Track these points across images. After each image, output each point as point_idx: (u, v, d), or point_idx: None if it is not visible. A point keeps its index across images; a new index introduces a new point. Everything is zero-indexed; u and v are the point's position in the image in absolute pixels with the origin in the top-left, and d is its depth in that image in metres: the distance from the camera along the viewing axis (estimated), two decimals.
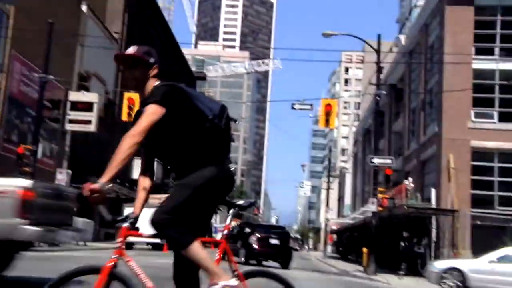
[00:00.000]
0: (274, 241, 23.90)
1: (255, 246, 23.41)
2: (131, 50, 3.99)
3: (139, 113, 3.94)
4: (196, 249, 3.71)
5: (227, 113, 4.01)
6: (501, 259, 17.44)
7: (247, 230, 25.61)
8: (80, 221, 31.37)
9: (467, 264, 18.52)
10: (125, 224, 3.80)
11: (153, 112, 3.78)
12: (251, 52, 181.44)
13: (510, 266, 16.85)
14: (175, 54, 66.00)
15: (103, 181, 3.74)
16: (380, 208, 25.00)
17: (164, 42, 59.75)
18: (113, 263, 3.63)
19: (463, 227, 26.69)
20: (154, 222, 3.84)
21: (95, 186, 3.69)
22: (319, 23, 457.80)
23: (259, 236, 23.82)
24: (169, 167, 4.13)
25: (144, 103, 3.95)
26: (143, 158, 4.16)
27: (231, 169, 4.07)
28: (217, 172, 3.84)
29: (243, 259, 23.24)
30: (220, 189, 3.92)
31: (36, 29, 27.97)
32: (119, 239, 3.77)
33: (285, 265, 23.55)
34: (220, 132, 3.92)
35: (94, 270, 3.69)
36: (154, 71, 4.14)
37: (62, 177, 28.27)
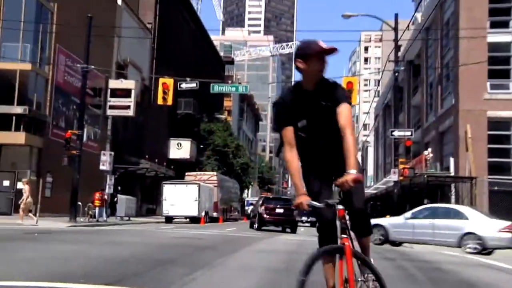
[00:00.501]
0: (279, 210, 26.18)
1: (264, 215, 25.84)
2: (329, 45, 3.82)
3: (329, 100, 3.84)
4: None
5: None
6: (414, 215, 18.69)
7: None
8: (123, 198, 32.27)
9: (388, 220, 19.93)
10: (341, 207, 3.59)
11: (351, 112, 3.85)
12: (275, 36, 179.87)
13: (421, 221, 18.16)
14: (205, 41, 66.09)
15: (355, 170, 3.57)
16: (402, 178, 25.02)
17: (193, 30, 59.90)
18: (347, 242, 3.54)
19: (481, 193, 26.51)
20: (362, 209, 3.90)
21: (358, 176, 3.53)
22: (338, 5, 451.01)
23: (267, 207, 26.24)
24: (330, 159, 3.95)
25: (322, 95, 3.86)
26: (308, 142, 3.97)
27: None
28: None
29: (255, 226, 26.70)
30: None
31: (77, 23, 28.48)
32: (343, 220, 3.62)
33: (293, 230, 26.56)
34: None
35: (338, 250, 3.62)
36: None
37: (105, 158, 28.55)
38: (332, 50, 3.74)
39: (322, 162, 3.97)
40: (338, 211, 3.59)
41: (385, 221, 20.02)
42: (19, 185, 28.35)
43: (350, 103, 3.94)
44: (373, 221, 22.24)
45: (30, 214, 20.56)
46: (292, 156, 3.83)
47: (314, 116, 3.86)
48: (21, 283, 5.31)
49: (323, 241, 3.88)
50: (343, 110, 3.77)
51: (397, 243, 19.04)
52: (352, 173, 3.51)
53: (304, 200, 3.58)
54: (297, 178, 3.83)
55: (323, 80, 3.87)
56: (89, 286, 5.33)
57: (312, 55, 3.75)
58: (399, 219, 19.35)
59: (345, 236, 3.57)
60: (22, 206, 20.46)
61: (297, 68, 3.86)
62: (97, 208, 27.13)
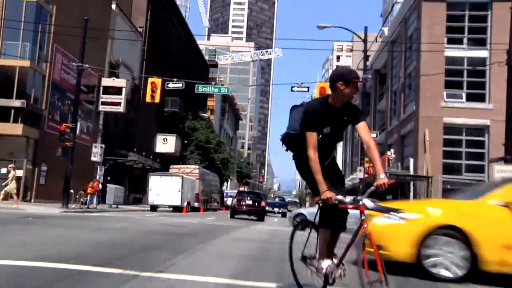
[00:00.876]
0: (249, 202, 28.31)
1: (236, 206, 28.39)
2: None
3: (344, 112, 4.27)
4: None
5: None
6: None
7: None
8: (112, 187, 32.03)
9: (307, 210, 21.31)
10: (361, 202, 3.92)
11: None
12: (256, 43, 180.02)
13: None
14: (191, 45, 65.85)
15: (384, 174, 3.97)
16: (367, 175, 25.31)
17: (181, 35, 59.66)
18: (369, 231, 3.84)
19: (436, 191, 26.94)
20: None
21: (391, 180, 4.00)
22: (314, 17, 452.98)
23: (239, 198, 28.73)
24: (331, 155, 4.48)
25: (345, 113, 4.26)
26: (323, 146, 4.27)
27: None
28: None
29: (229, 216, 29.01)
30: None
31: (74, 25, 28.15)
32: (363, 213, 3.90)
33: (260, 218, 27.88)
34: None
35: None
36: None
37: (96, 150, 28.39)
38: (363, 81, 4.37)
39: (327, 164, 4.31)
40: (360, 206, 3.91)
41: (305, 210, 21.58)
42: (17, 172, 28.04)
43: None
44: (296, 210, 24.54)
45: (14, 198, 20.48)
46: (316, 157, 4.10)
47: (334, 128, 4.27)
48: (14, 263, 5.27)
49: (329, 223, 4.23)
50: (365, 127, 4.25)
51: None
52: (383, 177, 3.89)
53: (332, 195, 3.90)
54: (321, 175, 4.06)
55: (348, 101, 4.26)
56: (79, 266, 5.31)
57: (353, 82, 4.11)
58: (315, 208, 20.25)
59: (365, 226, 3.85)
60: (5, 189, 20.24)
61: (335, 87, 4.16)
62: (88, 196, 26.93)
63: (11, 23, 27.92)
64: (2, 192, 20.29)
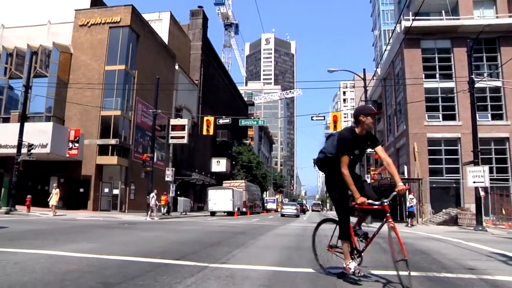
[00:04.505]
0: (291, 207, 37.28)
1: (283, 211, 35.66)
2: (374, 109, 4.37)
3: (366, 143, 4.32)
4: None
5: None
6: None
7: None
8: (182, 199, 32.38)
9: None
10: (385, 203, 3.98)
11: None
12: (281, 86, 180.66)
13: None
14: (234, 91, 66.81)
15: (401, 181, 3.99)
16: (373, 181, 24.81)
17: (226, 84, 60.60)
18: (391, 219, 3.92)
19: (425, 189, 26.28)
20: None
21: (407, 186, 4.23)
22: (325, 62, 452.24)
23: (282, 207, 34.74)
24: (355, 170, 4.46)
25: (367, 139, 4.31)
26: (351, 164, 4.27)
27: None
28: None
29: (269, 217, 31.72)
30: None
31: (149, 82, 29.09)
32: (387, 211, 3.96)
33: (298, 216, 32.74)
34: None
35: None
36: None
37: (169, 172, 28.64)
38: (379, 113, 4.48)
39: (353, 177, 4.24)
40: (385, 206, 3.96)
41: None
42: (114, 191, 28.80)
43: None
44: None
45: (53, 208, 20.36)
46: (348, 173, 4.12)
47: (360, 150, 4.27)
48: (120, 258, 5.40)
49: (359, 220, 4.49)
50: (382, 149, 4.37)
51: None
52: (401, 185, 3.92)
53: (364, 199, 3.98)
54: (354, 185, 4.11)
55: (369, 131, 4.31)
56: (163, 260, 5.36)
57: (372, 114, 4.21)
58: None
59: (390, 220, 3.90)
60: (54, 203, 20.29)
61: (359, 120, 4.21)
62: (162, 206, 27.47)
63: (108, 86, 29.17)
64: (51, 205, 20.40)
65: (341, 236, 4.26)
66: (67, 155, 27.60)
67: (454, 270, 5.18)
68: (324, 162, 4.43)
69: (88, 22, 30.67)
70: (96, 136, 28.79)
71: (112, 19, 30.34)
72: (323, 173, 4.57)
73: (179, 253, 6.18)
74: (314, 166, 4.65)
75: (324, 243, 4.67)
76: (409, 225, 20.37)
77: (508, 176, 27.15)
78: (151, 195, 22.88)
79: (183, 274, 4.40)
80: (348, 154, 4.14)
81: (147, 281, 3.97)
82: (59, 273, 4.23)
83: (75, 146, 27.71)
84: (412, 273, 4.26)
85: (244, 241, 8.76)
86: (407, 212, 22.69)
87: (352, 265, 4.14)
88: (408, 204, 22.33)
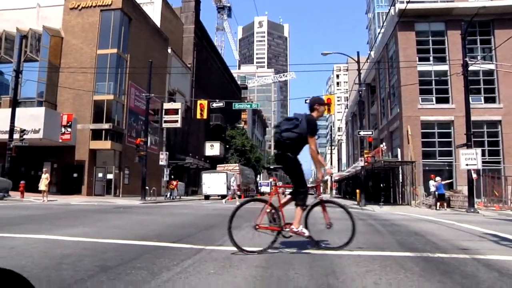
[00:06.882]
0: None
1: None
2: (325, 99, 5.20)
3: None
4: None
5: (277, 129, 4.82)
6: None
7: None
8: (178, 184, 32.42)
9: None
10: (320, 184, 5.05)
11: None
12: (275, 69, 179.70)
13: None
14: (227, 74, 66.33)
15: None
16: (366, 163, 24.85)
17: (219, 67, 60.12)
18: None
19: (418, 172, 26.47)
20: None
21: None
22: (318, 46, 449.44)
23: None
24: None
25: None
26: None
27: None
28: None
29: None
30: None
31: (142, 66, 28.74)
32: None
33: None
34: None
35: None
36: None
37: (162, 156, 28.66)
38: (329, 103, 5.10)
39: None
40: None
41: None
42: (108, 176, 28.75)
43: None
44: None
45: (44, 194, 19.79)
46: (316, 150, 4.74)
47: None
48: (116, 241, 5.41)
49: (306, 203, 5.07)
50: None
51: None
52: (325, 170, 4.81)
53: (331, 171, 4.66)
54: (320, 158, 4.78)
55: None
56: (160, 243, 5.38)
57: (324, 104, 4.98)
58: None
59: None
60: (43, 188, 19.55)
61: (314, 108, 4.86)
62: (170, 190, 28.56)
63: (100, 70, 28.77)
64: (42, 190, 19.68)
65: (300, 203, 4.78)
66: (60, 140, 27.37)
67: (448, 251, 5.25)
68: (295, 140, 4.66)
69: (78, 5, 30.03)
70: (89, 121, 28.54)
71: (103, 2, 29.74)
72: (281, 150, 4.66)
73: (176, 236, 6.20)
74: (277, 142, 4.78)
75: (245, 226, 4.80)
76: (437, 208, 19.50)
77: (500, 158, 27.45)
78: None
79: (180, 257, 4.41)
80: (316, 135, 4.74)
81: (144, 263, 3.97)
82: (56, 257, 4.21)
83: (67, 131, 27.46)
84: (407, 254, 4.41)
85: (239, 224, 8.71)
86: (436, 196, 20.71)
87: (304, 229, 4.73)
88: (432, 189, 21.13)
